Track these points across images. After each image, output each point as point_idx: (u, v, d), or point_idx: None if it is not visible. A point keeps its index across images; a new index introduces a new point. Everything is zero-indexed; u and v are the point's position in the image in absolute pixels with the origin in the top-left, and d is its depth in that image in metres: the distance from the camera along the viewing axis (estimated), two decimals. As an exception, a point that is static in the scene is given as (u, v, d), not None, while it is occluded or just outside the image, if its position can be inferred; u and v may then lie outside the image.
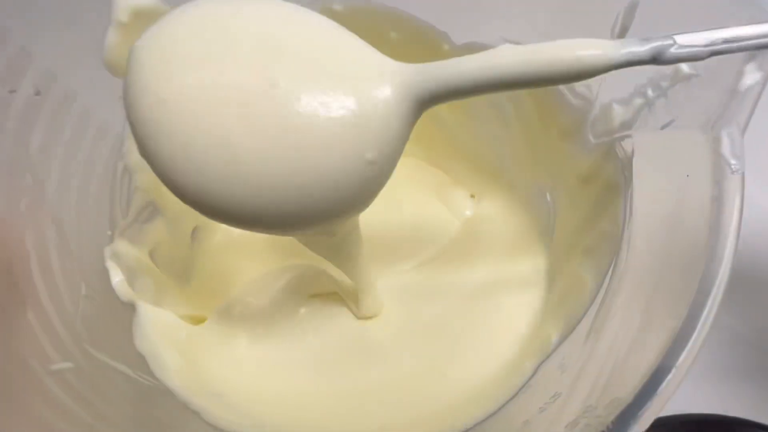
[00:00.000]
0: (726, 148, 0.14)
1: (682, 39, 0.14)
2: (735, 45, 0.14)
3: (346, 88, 0.15)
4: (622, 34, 0.18)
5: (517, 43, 0.23)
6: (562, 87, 0.22)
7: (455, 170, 0.30)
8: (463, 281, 0.25)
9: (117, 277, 0.23)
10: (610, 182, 0.20)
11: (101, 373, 0.19)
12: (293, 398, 0.23)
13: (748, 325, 0.27)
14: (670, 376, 0.13)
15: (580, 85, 0.21)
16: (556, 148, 0.23)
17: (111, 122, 0.23)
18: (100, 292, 0.22)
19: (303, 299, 0.26)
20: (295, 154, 0.15)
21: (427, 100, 0.16)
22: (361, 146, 0.16)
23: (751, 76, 0.15)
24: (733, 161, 0.14)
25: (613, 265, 0.18)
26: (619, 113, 0.20)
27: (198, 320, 0.27)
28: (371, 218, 0.22)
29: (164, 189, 0.27)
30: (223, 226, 0.30)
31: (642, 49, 0.14)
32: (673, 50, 0.14)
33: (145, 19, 0.21)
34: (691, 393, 0.25)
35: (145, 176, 0.26)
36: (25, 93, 0.19)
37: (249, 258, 0.29)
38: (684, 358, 0.13)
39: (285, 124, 0.15)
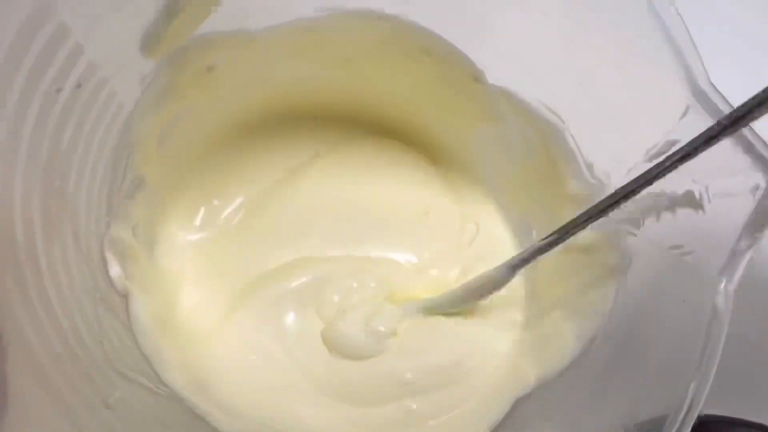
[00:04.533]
0: (721, 301, 0.19)
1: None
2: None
3: None
4: (650, 159, 0.22)
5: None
6: (581, 162, 0.25)
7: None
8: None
9: (114, 268, 0.23)
10: (608, 264, 0.24)
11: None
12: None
13: (748, 325, 0.27)
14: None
15: (599, 171, 0.25)
16: (556, 201, 0.27)
17: (126, 102, 0.22)
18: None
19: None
20: None
21: None
22: None
23: (745, 242, 0.20)
24: (724, 314, 0.19)
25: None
26: (629, 207, 0.24)
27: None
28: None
29: (152, 162, 0.26)
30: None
31: None
32: None
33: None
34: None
35: (140, 152, 0.25)
36: (69, 88, 0.17)
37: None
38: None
39: None
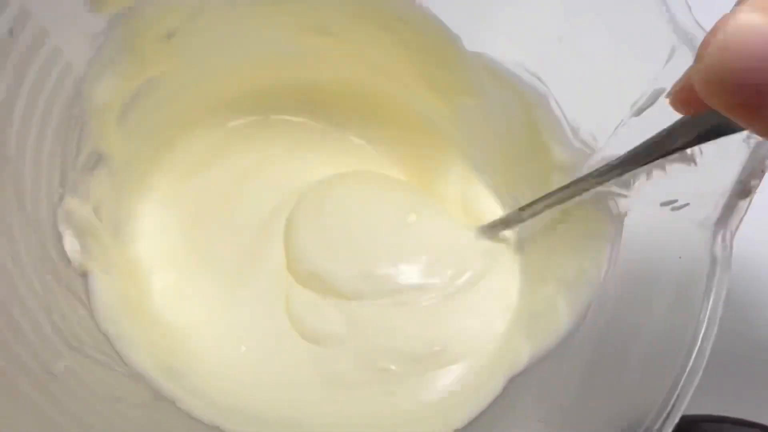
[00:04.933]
0: (719, 249, 0.18)
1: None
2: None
3: None
4: (639, 113, 0.21)
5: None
6: (566, 128, 0.24)
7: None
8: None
9: (71, 243, 0.22)
10: (598, 229, 0.23)
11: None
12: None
13: (747, 324, 0.28)
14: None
15: (585, 133, 0.24)
16: (543, 172, 0.26)
17: (75, 62, 0.20)
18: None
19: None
20: None
21: None
22: None
23: (742, 190, 0.18)
24: (724, 265, 0.18)
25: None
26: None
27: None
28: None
29: (113, 136, 0.25)
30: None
31: None
32: None
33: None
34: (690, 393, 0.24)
35: (97, 123, 0.24)
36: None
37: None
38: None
39: None
